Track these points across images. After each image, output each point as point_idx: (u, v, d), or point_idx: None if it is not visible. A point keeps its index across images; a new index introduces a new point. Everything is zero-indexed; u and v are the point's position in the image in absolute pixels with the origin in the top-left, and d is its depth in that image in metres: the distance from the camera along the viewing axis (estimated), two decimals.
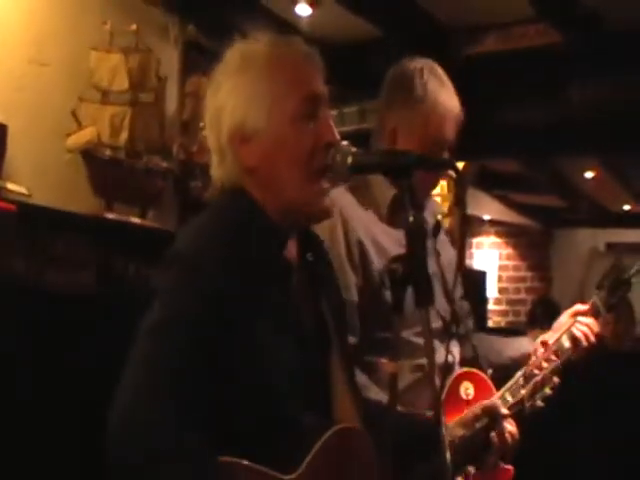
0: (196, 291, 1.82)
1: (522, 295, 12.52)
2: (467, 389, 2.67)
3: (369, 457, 1.96)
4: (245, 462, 1.72)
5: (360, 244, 2.62)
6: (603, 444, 4.65)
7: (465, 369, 2.73)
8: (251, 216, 1.99)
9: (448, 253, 2.92)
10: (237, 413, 1.82)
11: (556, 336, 2.81)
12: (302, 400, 1.91)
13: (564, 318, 2.88)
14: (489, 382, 2.71)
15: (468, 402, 2.64)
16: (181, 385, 1.73)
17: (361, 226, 2.65)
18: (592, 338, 2.81)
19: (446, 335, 2.66)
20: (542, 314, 7.71)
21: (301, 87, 2.00)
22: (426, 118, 2.68)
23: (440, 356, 2.43)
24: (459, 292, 3.02)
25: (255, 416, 1.84)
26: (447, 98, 2.72)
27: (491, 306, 12.18)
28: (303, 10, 6.20)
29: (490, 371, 2.72)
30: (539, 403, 2.66)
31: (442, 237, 2.94)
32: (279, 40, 2.12)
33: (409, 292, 1.76)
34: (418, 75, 2.71)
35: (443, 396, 2.43)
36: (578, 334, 2.80)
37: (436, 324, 2.66)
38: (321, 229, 2.39)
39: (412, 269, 1.78)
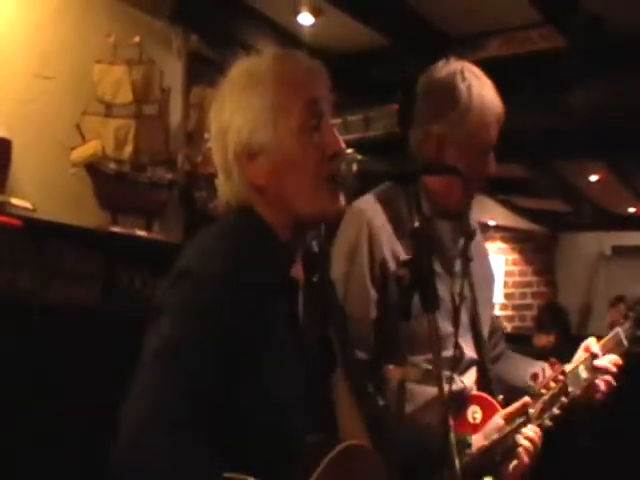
0: (204, 311, 1.81)
1: (528, 300, 12.48)
2: (475, 413, 2.65)
3: (377, 474, 1.95)
4: (251, 478, 1.71)
5: (384, 263, 2.56)
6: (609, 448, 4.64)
7: (475, 392, 2.70)
8: (260, 236, 1.99)
9: (481, 269, 2.85)
10: (243, 433, 1.82)
11: (572, 365, 2.77)
12: (307, 419, 1.91)
13: (579, 352, 2.85)
14: (498, 407, 2.67)
15: (475, 426, 2.61)
16: (188, 406, 1.72)
17: (386, 243, 2.58)
18: (614, 369, 2.79)
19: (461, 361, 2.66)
20: (549, 319, 7.69)
21: (303, 99, 2.00)
22: (476, 124, 2.63)
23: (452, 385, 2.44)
24: (490, 312, 2.92)
25: (260, 435, 1.83)
26: (491, 99, 2.68)
27: (497, 312, 12.15)
28: (306, 19, 6.20)
29: (501, 397, 2.69)
30: (547, 422, 2.63)
31: (478, 250, 2.87)
32: (281, 54, 2.13)
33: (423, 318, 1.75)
34: (460, 79, 2.65)
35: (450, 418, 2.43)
36: (601, 364, 2.78)
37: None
38: (346, 239, 2.47)
39: (418, 274, 1.77)
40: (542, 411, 2.63)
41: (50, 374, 3.30)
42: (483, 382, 2.75)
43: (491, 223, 12.19)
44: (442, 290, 2.59)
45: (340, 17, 6.03)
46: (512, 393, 2.73)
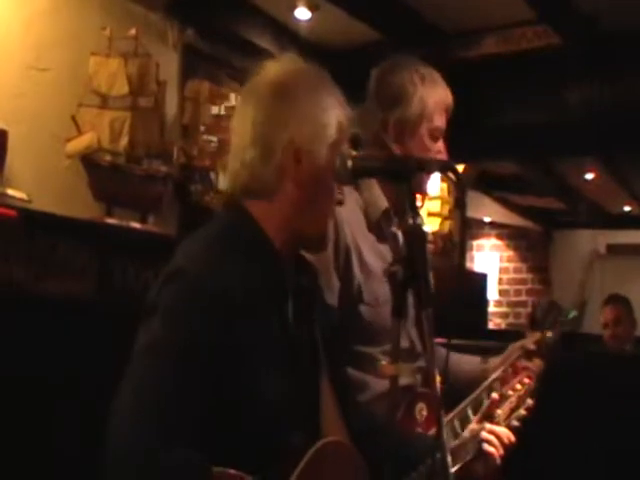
0: (196, 312, 1.83)
1: (523, 297, 12.52)
2: (422, 410, 2.66)
3: (357, 468, 2.00)
4: (232, 471, 1.74)
5: (347, 251, 2.61)
6: (603, 448, 4.64)
7: (421, 389, 2.70)
8: (256, 241, 2.01)
9: None
10: (228, 433, 1.83)
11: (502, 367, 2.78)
12: (292, 421, 1.94)
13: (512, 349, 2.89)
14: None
15: (421, 424, 2.62)
16: (175, 405, 1.74)
17: (350, 232, 2.63)
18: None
19: (413, 355, 2.69)
20: (542, 316, 7.68)
21: (339, 116, 2.08)
22: (431, 109, 2.72)
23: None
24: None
25: (245, 436, 1.85)
26: (444, 88, 2.77)
27: (492, 308, 12.17)
28: (302, 14, 6.20)
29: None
30: (514, 423, 2.64)
31: None
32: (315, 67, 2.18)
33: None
34: (414, 71, 2.74)
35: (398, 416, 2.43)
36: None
37: (404, 343, 2.64)
38: None
39: (412, 271, 1.77)
40: (510, 411, 2.64)
41: (43, 367, 3.30)
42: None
43: (486, 219, 12.22)
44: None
45: (337, 12, 6.03)
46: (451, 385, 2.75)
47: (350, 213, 2.65)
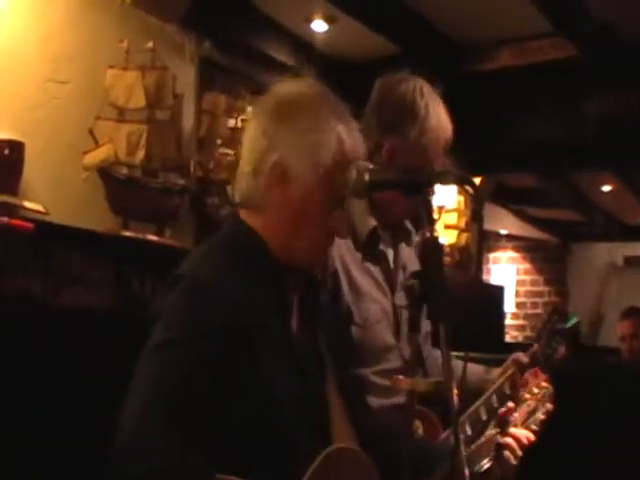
0: (200, 312, 1.86)
1: (539, 310, 12.47)
2: (417, 428, 2.64)
3: (368, 475, 2.00)
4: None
5: (334, 273, 2.59)
6: (617, 459, 4.63)
7: (417, 407, 2.64)
8: (254, 249, 2.04)
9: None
10: (237, 437, 1.84)
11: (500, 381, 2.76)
12: (301, 427, 1.95)
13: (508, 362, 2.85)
14: (437, 423, 2.65)
15: None
16: (182, 408, 1.75)
17: (338, 254, 2.61)
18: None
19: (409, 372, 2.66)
20: (542, 325, 7.64)
21: (341, 140, 2.06)
22: (429, 142, 2.65)
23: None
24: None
25: (254, 440, 1.86)
26: (445, 121, 2.71)
27: (508, 321, 12.14)
28: (319, 26, 6.21)
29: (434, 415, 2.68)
30: (533, 427, 2.63)
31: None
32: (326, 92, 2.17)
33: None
34: (419, 95, 2.67)
35: None
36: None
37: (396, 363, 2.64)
38: None
39: (429, 285, 1.77)
40: (527, 415, 2.63)
41: (60, 379, 3.30)
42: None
43: (503, 232, 12.20)
44: (385, 301, 2.66)
45: (353, 25, 6.04)
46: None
47: None
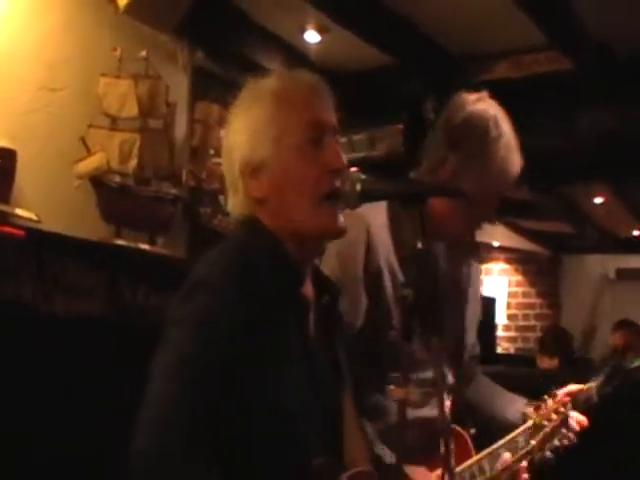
0: (213, 323, 1.81)
1: (531, 322, 12.49)
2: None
3: None
4: None
5: (379, 272, 2.52)
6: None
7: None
8: (271, 249, 1.99)
9: (474, 293, 2.80)
10: (250, 450, 1.81)
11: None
12: (314, 439, 1.91)
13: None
14: (469, 442, 2.64)
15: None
16: (198, 421, 1.72)
17: (384, 253, 2.54)
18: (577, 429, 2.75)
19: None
20: (552, 343, 7.66)
21: (304, 116, 2.02)
22: (495, 176, 2.62)
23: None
24: (473, 336, 2.85)
25: (268, 455, 1.83)
26: (517, 157, 2.65)
27: (500, 332, 12.15)
28: (312, 37, 6.21)
29: (473, 430, 2.66)
30: (548, 454, 2.62)
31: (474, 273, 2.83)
32: (283, 73, 2.17)
33: None
34: (493, 127, 2.63)
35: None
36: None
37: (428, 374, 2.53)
38: (340, 244, 2.29)
39: (421, 296, 1.77)
40: (544, 442, 2.61)
41: (52, 388, 3.29)
42: (454, 410, 2.69)
43: (495, 244, 12.20)
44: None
45: (347, 36, 6.03)
46: (486, 423, 2.72)
47: (382, 232, 2.57)
